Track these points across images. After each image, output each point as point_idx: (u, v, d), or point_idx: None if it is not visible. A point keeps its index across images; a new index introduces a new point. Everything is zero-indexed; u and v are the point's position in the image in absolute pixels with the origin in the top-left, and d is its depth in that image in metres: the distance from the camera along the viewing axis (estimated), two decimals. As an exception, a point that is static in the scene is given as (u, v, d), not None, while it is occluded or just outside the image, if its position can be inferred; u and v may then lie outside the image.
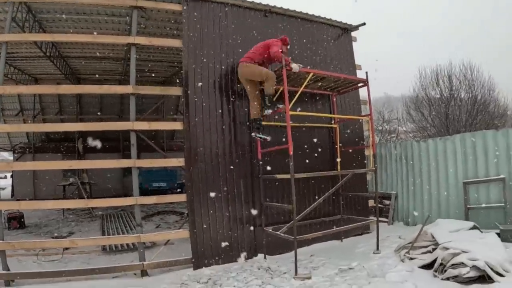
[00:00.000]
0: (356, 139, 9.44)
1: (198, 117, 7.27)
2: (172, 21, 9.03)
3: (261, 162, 7.66)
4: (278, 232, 6.86)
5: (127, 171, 19.13)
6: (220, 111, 7.51)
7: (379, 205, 10.05)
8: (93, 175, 16.56)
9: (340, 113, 9.03)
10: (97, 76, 15.52)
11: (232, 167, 7.49)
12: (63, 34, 8.09)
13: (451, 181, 8.81)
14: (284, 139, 7.89)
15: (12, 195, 18.23)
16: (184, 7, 7.50)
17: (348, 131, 9.26)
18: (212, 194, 7.21)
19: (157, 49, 11.80)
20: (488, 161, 8.16)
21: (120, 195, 16.83)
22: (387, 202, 10.37)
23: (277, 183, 7.88)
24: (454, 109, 19.15)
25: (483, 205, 8.08)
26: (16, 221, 11.37)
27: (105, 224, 11.29)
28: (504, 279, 5.06)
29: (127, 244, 8.54)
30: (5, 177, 26.92)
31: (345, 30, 9.70)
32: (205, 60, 7.50)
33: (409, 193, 9.89)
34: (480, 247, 5.56)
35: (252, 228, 7.55)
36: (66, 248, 8.09)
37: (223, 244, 7.20)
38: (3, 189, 23.69)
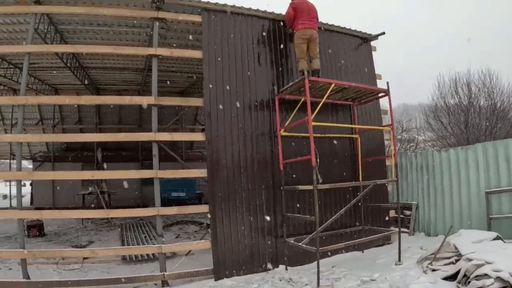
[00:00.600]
0: (377, 149, 9.35)
1: (219, 128, 7.30)
2: (192, 32, 9.11)
3: (282, 173, 7.63)
4: (300, 244, 6.83)
5: (146, 180, 19.27)
6: (241, 122, 7.53)
7: (400, 216, 9.94)
8: (112, 184, 16.64)
9: (360, 123, 8.97)
10: (116, 86, 15.74)
11: (253, 178, 7.49)
12: (85, 46, 8.22)
13: (473, 191, 8.61)
14: (305, 150, 7.90)
15: (31, 202, 18.47)
16: (204, 18, 7.58)
17: (369, 141, 9.17)
18: (234, 205, 7.21)
19: (176, 60, 11.90)
20: (510, 170, 7.97)
21: (139, 205, 17.03)
22: (407, 212, 10.20)
23: (298, 194, 7.83)
24: (473, 117, 18.87)
25: (506, 215, 7.87)
26: (36, 229, 11.53)
27: (124, 233, 11.34)
28: (529, 290, 4.93)
29: (147, 254, 8.54)
30: (24, 185, 27.25)
31: (364, 40, 9.68)
32: (225, 70, 7.54)
33: (430, 203, 9.71)
34: (504, 258, 5.44)
35: (273, 239, 7.51)
36: (86, 257, 8.15)
37: (244, 255, 7.19)
38: (23, 196, 23.98)
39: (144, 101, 7.29)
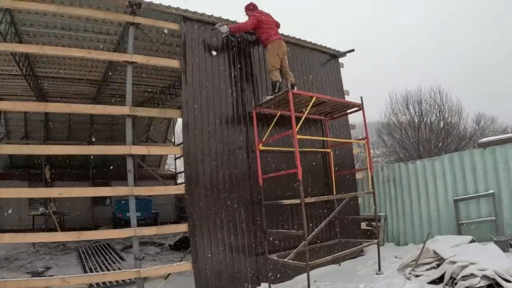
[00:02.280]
0: (347, 163, 9.49)
1: (198, 142, 7.00)
2: (167, 41, 8.91)
3: (262, 188, 7.44)
4: (285, 259, 6.64)
5: (96, 201, 18.32)
6: (219, 135, 7.29)
7: (369, 227, 10.12)
8: (61, 204, 15.57)
9: (332, 137, 9.05)
10: (66, 99, 14.74)
11: (232, 194, 7.23)
12: (56, 47, 7.61)
13: (441, 200, 9.08)
14: (283, 165, 7.87)
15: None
16: (182, 27, 7.34)
17: (340, 155, 9.27)
18: (214, 223, 6.90)
19: (137, 73, 11.48)
20: (476, 178, 8.50)
21: (90, 226, 16.04)
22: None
23: (278, 209, 7.70)
24: (424, 133, 19.92)
25: (474, 220, 8.38)
26: (-16, 255, 10.46)
27: (83, 258, 10.56)
28: (512, 285, 5.30)
29: (116, 280, 7.94)
30: None
31: (333, 56, 9.86)
32: (202, 82, 7.30)
33: (398, 214, 10.03)
34: (485, 258, 5.82)
35: (255, 256, 7.27)
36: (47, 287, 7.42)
37: (227, 275, 6.87)
38: None
39: (118, 111, 6.82)
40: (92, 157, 17.60)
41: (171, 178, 19.86)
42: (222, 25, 7.56)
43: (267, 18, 7.83)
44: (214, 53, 7.61)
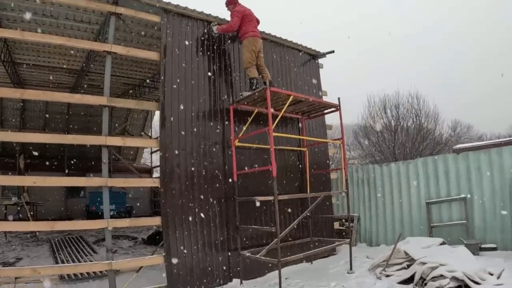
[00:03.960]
0: (322, 163, 9.60)
1: (173, 136, 6.97)
2: (148, 33, 8.85)
3: (236, 184, 7.48)
4: (257, 256, 6.68)
5: (70, 193, 18.03)
6: (196, 130, 7.28)
7: (341, 228, 10.29)
8: (34, 195, 15.31)
9: (308, 136, 9.14)
10: (44, 87, 14.52)
11: (206, 189, 7.22)
12: (35, 33, 7.40)
13: (414, 202, 9.31)
14: (258, 161, 7.94)
15: None
16: (163, 19, 7.30)
17: (315, 154, 9.38)
18: (187, 217, 6.90)
19: (117, 64, 11.37)
20: (449, 182, 8.76)
21: (63, 218, 15.80)
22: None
23: (251, 206, 7.71)
24: (400, 136, 20.28)
25: (446, 223, 8.64)
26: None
27: (55, 249, 10.41)
28: (481, 287, 5.44)
29: (87, 272, 7.87)
30: None
31: (313, 57, 9.97)
32: (181, 75, 7.28)
33: (371, 214, 10.21)
34: (455, 260, 5.98)
35: (227, 252, 7.31)
36: (18, 277, 7.29)
37: (198, 270, 6.88)
38: None
39: (95, 101, 6.74)
40: (67, 148, 17.29)
41: (147, 172, 19.76)
42: (215, 25, 7.71)
43: (249, 13, 7.86)
44: (194, 47, 7.61)
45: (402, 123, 20.50)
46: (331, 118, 9.28)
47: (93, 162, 17.75)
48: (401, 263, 6.72)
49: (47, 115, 17.91)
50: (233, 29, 7.71)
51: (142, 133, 20.22)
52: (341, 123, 8.24)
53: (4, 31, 7.97)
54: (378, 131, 20.98)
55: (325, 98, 9.76)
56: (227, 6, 8.07)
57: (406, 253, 6.74)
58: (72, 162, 18.19)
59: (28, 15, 8.38)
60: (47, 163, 17.04)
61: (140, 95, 14.10)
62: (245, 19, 7.72)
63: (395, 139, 20.19)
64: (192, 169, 7.11)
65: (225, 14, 8.10)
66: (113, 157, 13.83)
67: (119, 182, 6.92)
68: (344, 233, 10.07)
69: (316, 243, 8.43)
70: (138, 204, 18.13)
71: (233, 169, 7.48)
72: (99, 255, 9.76)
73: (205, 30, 7.82)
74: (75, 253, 9.97)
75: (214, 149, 7.45)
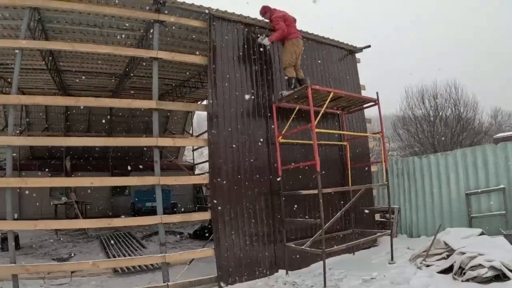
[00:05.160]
0: (362, 156, 9.72)
1: (220, 134, 7.32)
2: (189, 37, 9.16)
3: (281, 179, 7.75)
4: (303, 247, 6.94)
5: (115, 191, 18.71)
6: (241, 128, 7.61)
7: (382, 219, 10.37)
8: (80, 194, 16.02)
9: (348, 131, 9.31)
10: (87, 91, 15.20)
11: (253, 184, 7.55)
12: (85, 44, 7.92)
13: (453, 193, 9.33)
14: (299, 156, 8.15)
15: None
16: (208, 24, 7.63)
17: (355, 148, 9.51)
18: (235, 211, 7.24)
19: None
20: (488, 173, 8.75)
21: (109, 216, 16.43)
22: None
23: (295, 199, 7.98)
24: (439, 127, 19.98)
25: (485, 214, 8.64)
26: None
27: (106, 245, 10.97)
28: (519, 276, 5.51)
29: (139, 266, 8.33)
30: None
31: (350, 52, 10.07)
32: (225, 77, 7.60)
33: (411, 206, 10.28)
34: (494, 250, 6.05)
35: (273, 244, 7.61)
36: (73, 271, 7.78)
37: (246, 261, 7.21)
38: None
39: (145, 104, 7.15)
40: (111, 148, 17.94)
41: (190, 169, 20.21)
42: (264, 38, 7.89)
43: (288, 16, 8.05)
44: (237, 49, 7.91)
45: (440, 113, 20.19)
46: (370, 110, 9.42)
47: (135, 161, 18.50)
48: (440, 253, 6.84)
49: (90, 118, 18.67)
50: (286, 33, 7.83)
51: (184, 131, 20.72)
52: (380, 117, 8.36)
53: (57, 44, 8.52)
54: (417, 120, 20.68)
55: (363, 92, 9.88)
56: (263, 16, 8.24)
57: (445, 244, 6.85)
58: (115, 162, 18.88)
59: (73, 26, 8.87)
60: (92, 163, 17.81)
61: (181, 94, 14.52)
62: (286, 22, 7.89)
63: (434, 129, 19.91)
64: (239, 165, 7.45)
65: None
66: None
67: (170, 180, 7.30)
68: (384, 225, 10.15)
69: (358, 235, 8.61)
70: (180, 200, 18.59)
71: (277, 164, 7.75)
72: (148, 249, 10.22)
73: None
74: (125, 248, 10.47)
75: (259, 146, 7.75)
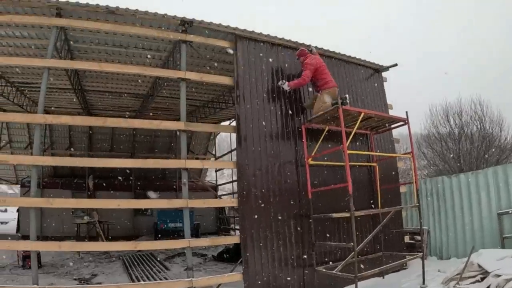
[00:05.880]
0: (391, 177, 9.51)
1: (249, 156, 7.25)
2: (215, 57, 9.21)
3: (311, 201, 7.62)
4: (334, 271, 6.75)
5: (137, 211, 18.62)
6: (270, 150, 7.53)
7: (412, 241, 10.08)
8: (102, 213, 16.02)
9: (377, 151, 9.17)
10: (109, 111, 15.43)
11: (282, 207, 7.43)
12: (112, 64, 7.99)
13: (484, 213, 9.01)
14: (328, 178, 8.00)
15: (17, 230, 17.43)
16: (235, 44, 7.64)
17: (384, 169, 9.30)
18: (264, 235, 7.11)
19: (177, 87, 11.85)
20: None
21: (131, 236, 16.40)
22: (419, 237, 10.35)
23: (325, 222, 7.83)
24: (465, 145, 19.64)
25: None
26: (33, 260, 10.84)
27: (128, 266, 10.86)
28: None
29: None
30: (6, 211, 25.01)
31: (376, 71, 9.96)
32: (254, 98, 7.56)
33: (441, 227, 9.99)
34: None
35: (302, 268, 7.43)
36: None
37: (274, 286, 7.03)
38: (6, 223, 22.72)
39: (174, 126, 7.12)
40: (134, 169, 17.93)
41: (213, 189, 20.12)
42: (284, 83, 7.74)
43: (322, 63, 7.85)
44: (265, 70, 7.88)
45: (466, 130, 19.86)
46: (396, 129, 9.26)
47: (157, 181, 18.52)
48: (474, 276, 6.58)
49: (113, 137, 18.79)
50: (305, 83, 7.76)
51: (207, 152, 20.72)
52: (410, 137, 8.23)
53: (84, 63, 8.60)
54: (442, 138, 20.36)
55: (390, 112, 9.72)
56: (298, 58, 8.07)
57: (479, 266, 6.60)
58: (137, 182, 18.83)
59: (99, 46, 8.97)
60: (114, 182, 17.85)
61: (205, 115, 14.50)
62: (319, 70, 7.71)
63: (459, 147, 19.56)
64: (268, 187, 7.35)
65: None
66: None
67: (199, 203, 7.22)
68: (413, 247, 9.86)
69: (387, 258, 8.36)
70: (202, 220, 18.42)
71: (307, 186, 7.62)
72: (172, 271, 10.06)
73: (270, 53, 8.08)
74: (148, 270, 10.31)
75: (288, 168, 7.65)
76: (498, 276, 5.92)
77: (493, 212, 8.82)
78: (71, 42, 8.86)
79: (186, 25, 7.32)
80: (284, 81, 7.84)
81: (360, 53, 9.55)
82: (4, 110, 14.22)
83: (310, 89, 8.37)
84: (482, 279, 6.36)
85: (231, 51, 7.68)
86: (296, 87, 7.83)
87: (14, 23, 7.02)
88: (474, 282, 6.49)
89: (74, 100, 13.27)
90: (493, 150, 19.04)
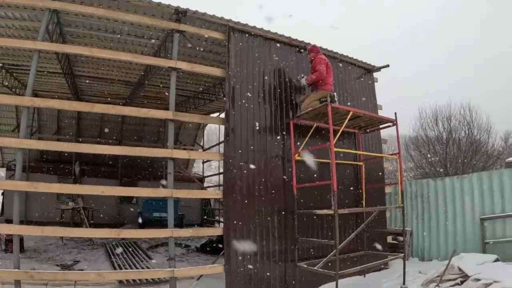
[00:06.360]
0: (377, 177, 9.56)
1: (236, 149, 7.23)
2: (207, 48, 9.18)
3: (296, 197, 7.63)
4: (315, 268, 6.77)
5: (123, 199, 18.54)
6: (257, 144, 7.51)
7: (394, 242, 10.16)
8: (88, 200, 15.88)
9: (364, 151, 9.17)
10: (99, 98, 15.23)
11: (267, 201, 7.43)
12: (103, 50, 7.88)
13: (467, 217, 9.14)
14: (314, 174, 7.99)
15: (1, 213, 17.23)
16: (228, 36, 7.58)
17: (370, 168, 9.35)
18: (248, 228, 7.11)
19: (168, 76, 11.78)
20: (504, 198, 8.56)
21: (115, 223, 16.33)
22: (401, 238, 10.44)
23: (309, 218, 7.85)
24: (452, 149, 19.81)
25: (500, 240, 8.42)
26: (15, 244, 10.71)
27: (111, 254, 10.80)
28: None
29: (146, 278, 8.14)
30: None
31: (368, 71, 9.99)
32: (244, 90, 7.53)
33: (424, 229, 10.11)
34: (509, 277, 5.92)
35: (284, 263, 7.45)
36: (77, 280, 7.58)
37: (256, 279, 7.06)
38: None
39: (162, 115, 7.08)
40: (121, 156, 17.83)
41: (199, 181, 20.07)
42: (302, 78, 7.84)
43: (329, 64, 7.85)
44: (256, 64, 7.85)
45: (454, 135, 20.03)
46: (384, 130, 9.32)
47: (144, 170, 18.40)
48: (454, 279, 6.72)
49: (102, 124, 18.67)
50: (323, 77, 7.60)
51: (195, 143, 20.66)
52: (397, 138, 8.25)
53: (75, 48, 8.48)
54: (430, 142, 20.52)
55: (380, 112, 9.75)
56: (309, 53, 8.05)
57: (460, 269, 6.75)
58: (124, 170, 18.81)
59: (91, 32, 8.87)
60: (101, 169, 17.73)
61: (195, 106, 14.51)
62: (327, 69, 7.71)
63: (446, 152, 19.74)
64: (254, 181, 7.34)
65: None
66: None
67: (183, 193, 7.20)
68: (396, 247, 9.95)
69: (369, 257, 8.42)
70: (187, 211, 18.37)
71: (292, 182, 7.62)
72: (154, 261, 10.03)
73: (263, 48, 8.05)
74: (130, 258, 10.29)
75: (274, 162, 7.65)
76: (478, 280, 6.06)
77: (476, 217, 8.95)
78: (64, 26, 8.75)
79: (180, 14, 7.24)
80: (302, 74, 7.90)
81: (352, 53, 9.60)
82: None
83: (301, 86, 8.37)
84: (462, 282, 6.51)
85: (222, 42, 7.62)
86: (313, 81, 7.75)
87: (6, 3, 6.87)
88: (454, 285, 6.63)
89: (65, 84, 13.17)
90: (479, 156, 19.23)
